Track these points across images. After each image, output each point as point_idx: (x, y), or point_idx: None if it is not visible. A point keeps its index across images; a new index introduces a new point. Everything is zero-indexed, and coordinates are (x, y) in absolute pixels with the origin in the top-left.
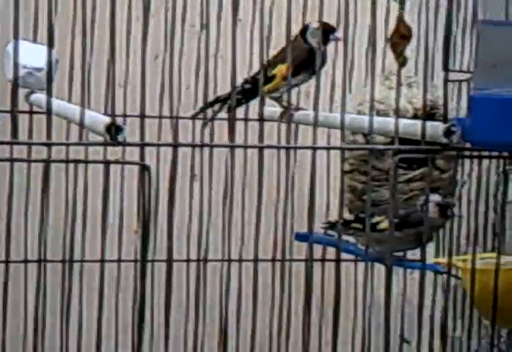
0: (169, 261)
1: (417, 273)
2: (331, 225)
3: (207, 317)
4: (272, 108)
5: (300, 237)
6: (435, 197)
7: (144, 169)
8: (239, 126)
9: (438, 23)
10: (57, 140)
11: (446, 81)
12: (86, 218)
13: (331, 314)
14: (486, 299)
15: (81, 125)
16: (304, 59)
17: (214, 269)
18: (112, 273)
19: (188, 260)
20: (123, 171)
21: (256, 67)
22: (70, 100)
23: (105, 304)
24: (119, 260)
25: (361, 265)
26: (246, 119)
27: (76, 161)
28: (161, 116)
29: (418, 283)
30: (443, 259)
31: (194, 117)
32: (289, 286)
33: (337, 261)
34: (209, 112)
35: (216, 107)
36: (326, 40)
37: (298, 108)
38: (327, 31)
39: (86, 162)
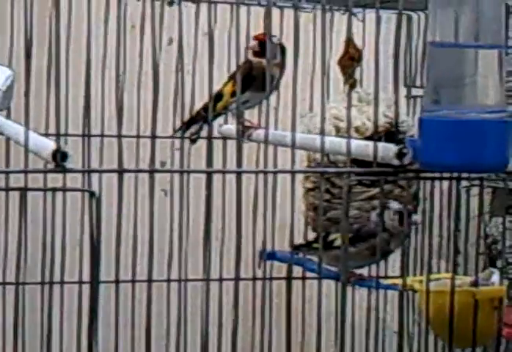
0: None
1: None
2: (295, 247)
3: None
4: (231, 126)
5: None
6: (393, 204)
7: (91, 195)
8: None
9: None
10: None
11: (397, 103)
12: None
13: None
14: (442, 320)
15: (26, 149)
16: (245, 74)
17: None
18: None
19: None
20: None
21: None
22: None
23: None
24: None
25: (326, 283)
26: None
27: (21, 189)
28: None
29: (391, 300)
30: (399, 281)
31: (154, 136)
32: (253, 305)
33: (288, 279)
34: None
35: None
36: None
37: (257, 127)
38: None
39: (29, 189)
